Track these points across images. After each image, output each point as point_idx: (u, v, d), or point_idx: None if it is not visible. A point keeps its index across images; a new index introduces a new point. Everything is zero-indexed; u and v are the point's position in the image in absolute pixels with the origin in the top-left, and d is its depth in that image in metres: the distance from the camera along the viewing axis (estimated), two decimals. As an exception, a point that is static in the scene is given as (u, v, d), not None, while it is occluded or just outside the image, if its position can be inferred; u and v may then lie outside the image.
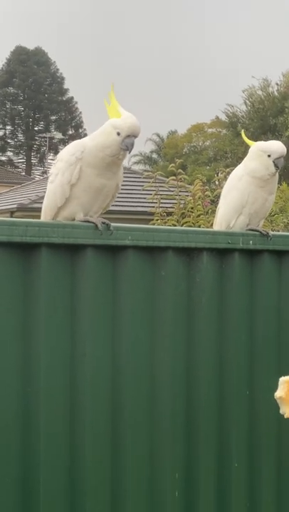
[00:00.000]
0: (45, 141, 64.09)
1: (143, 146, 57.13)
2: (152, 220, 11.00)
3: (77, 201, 3.75)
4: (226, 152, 45.48)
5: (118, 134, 3.64)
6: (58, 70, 71.91)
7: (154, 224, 10.65)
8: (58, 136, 63.31)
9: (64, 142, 60.01)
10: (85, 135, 66.77)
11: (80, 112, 69.67)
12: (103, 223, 3.68)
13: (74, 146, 3.81)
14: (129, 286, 3.81)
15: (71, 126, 67.17)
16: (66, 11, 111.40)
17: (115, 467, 3.79)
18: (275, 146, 4.27)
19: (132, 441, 3.83)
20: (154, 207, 11.11)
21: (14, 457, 3.48)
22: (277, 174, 4.28)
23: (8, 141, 69.36)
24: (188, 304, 4.05)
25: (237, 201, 4.32)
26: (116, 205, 24.85)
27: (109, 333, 3.77)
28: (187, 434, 4.06)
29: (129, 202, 23.29)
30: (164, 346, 3.94)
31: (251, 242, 4.27)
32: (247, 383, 4.30)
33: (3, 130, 69.56)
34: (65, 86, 71.51)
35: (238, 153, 37.69)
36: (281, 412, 3.49)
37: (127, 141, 3.65)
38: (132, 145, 3.69)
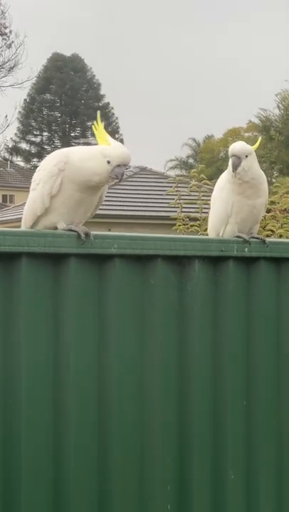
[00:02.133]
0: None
1: (179, 150, 57.02)
2: (175, 225, 10.89)
3: (57, 212, 3.68)
4: (262, 156, 45.23)
5: (108, 162, 3.56)
6: (94, 76, 72.21)
7: (176, 230, 10.55)
8: (95, 141, 63.28)
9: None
10: (121, 140, 67.02)
11: (116, 118, 69.89)
12: (86, 234, 3.61)
13: (57, 156, 3.71)
14: (117, 296, 3.73)
15: (107, 132, 66.97)
16: (102, 18, 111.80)
17: (103, 480, 3.71)
18: (231, 146, 4.15)
19: (121, 454, 3.75)
20: (176, 212, 11.00)
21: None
22: (251, 177, 4.12)
23: (45, 147, 69.65)
24: (180, 313, 3.96)
25: (222, 212, 4.22)
26: (136, 211, 24.80)
27: (95, 344, 3.69)
28: (179, 446, 3.96)
29: (151, 207, 23.25)
30: (154, 357, 3.85)
31: (247, 249, 4.17)
32: (243, 394, 4.21)
33: (40, 136, 69.99)
34: (102, 92, 71.79)
35: (271, 158, 37.47)
36: None
37: (118, 170, 3.57)
38: (123, 174, 3.63)
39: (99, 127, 3.64)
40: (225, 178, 4.25)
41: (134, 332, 3.81)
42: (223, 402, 4.11)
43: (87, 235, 3.61)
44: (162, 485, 3.88)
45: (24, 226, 3.79)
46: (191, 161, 59.10)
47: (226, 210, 4.19)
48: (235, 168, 4.06)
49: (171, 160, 57.12)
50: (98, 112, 3.70)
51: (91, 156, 3.60)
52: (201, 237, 4.38)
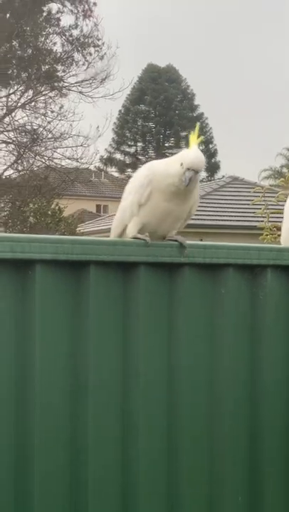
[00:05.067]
0: (176, 157, 64.27)
1: (273, 160, 56.54)
2: (262, 234, 10.81)
3: (141, 220, 3.76)
4: None
5: (181, 165, 3.63)
6: (188, 86, 72.33)
7: (263, 239, 10.46)
8: (188, 151, 63.36)
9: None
10: (215, 150, 66.64)
11: (211, 128, 69.82)
12: (181, 244, 3.70)
13: (148, 167, 3.84)
14: (186, 304, 3.72)
15: (201, 142, 67.17)
16: (197, 29, 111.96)
17: (173, 494, 3.69)
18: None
19: (191, 464, 3.73)
20: (263, 221, 10.92)
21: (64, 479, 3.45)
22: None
23: (139, 157, 70.14)
24: (251, 323, 3.91)
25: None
26: (228, 220, 24.63)
27: (165, 353, 3.69)
28: (251, 457, 3.91)
29: (242, 216, 23.10)
30: (225, 368, 3.82)
31: None
32: None
33: (135, 147, 70.47)
34: (196, 102, 71.87)
35: None
36: None
37: (187, 174, 3.63)
38: (189, 179, 3.64)
39: (193, 137, 3.73)
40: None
41: (204, 341, 3.79)
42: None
43: (182, 245, 3.69)
44: (234, 496, 3.84)
45: (113, 234, 3.91)
46: (285, 170, 58.50)
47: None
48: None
49: (265, 170, 56.66)
50: (197, 124, 3.80)
51: (173, 160, 3.73)
52: (274, 245, 4.30)
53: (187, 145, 3.78)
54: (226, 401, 3.82)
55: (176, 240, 3.72)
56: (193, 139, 3.74)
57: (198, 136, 3.74)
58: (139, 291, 3.60)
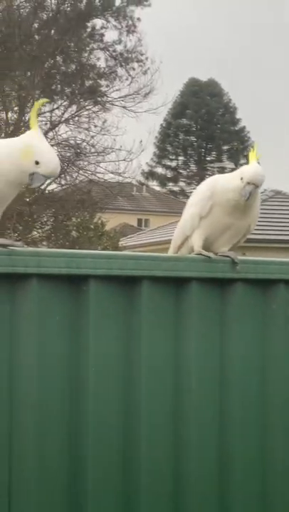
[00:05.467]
0: (217, 171, 64.49)
1: None
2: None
3: (202, 232, 3.83)
4: None
5: (241, 179, 3.71)
6: (230, 100, 72.33)
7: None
8: (230, 165, 63.57)
9: (236, 172, 59.76)
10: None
11: (253, 141, 69.67)
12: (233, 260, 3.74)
13: (210, 181, 3.93)
14: (238, 319, 3.74)
15: (243, 156, 67.29)
16: (239, 42, 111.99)
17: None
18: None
19: (242, 485, 3.73)
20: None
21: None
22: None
23: (181, 171, 70.23)
24: (303, 338, 3.91)
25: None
26: (271, 235, 24.50)
27: (217, 368, 3.71)
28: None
29: (286, 231, 22.97)
30: (276, 380, 3.82)
31: None
32: None
33: (176, 161, 70.51)
34: (238, 116, 71.83)
35: None
36: None
37: (247, 188, 3.69)
38: (249, 193, 3.71)
39: (253, 154, 3.83)
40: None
41: (255, 355, 3.80)
42: None
43: (233, 261, 3.73)
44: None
45: (173, 245, 4.01)
46: None
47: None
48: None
49: None
50: (256, 143, 3.95)
51: (233, 175, 3.82)
52: None
53: (231, 158, 3.85)
54: (280, 416, 3.81)
55: (228, 256, 3.74)
56: (253, 155, 3.82)
57: (257, 153, 3.82)
58: (191, 306, 3.62)
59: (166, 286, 3.58)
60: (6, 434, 3.28)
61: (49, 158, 3.25)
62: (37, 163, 3.21)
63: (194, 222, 3.85)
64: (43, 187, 19.96)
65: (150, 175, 69.14)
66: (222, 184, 3.80)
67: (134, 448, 3.50)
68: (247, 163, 3.85)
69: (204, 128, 70.26)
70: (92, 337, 3.42)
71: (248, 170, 3.73)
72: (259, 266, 3.81)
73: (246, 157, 4.05)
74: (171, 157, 70.81)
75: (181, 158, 71.17)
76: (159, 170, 70.31)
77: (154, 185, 68.77)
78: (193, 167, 70.59)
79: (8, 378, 3.29)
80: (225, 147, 69.00)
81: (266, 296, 3.83)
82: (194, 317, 3.63)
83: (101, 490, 3.42)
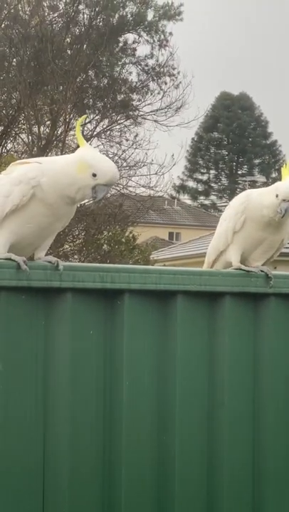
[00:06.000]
0: (249, 185, 64.36)
1: None
2: None
3: (237, 247, 3.84)
4: None
5: (276, 196, 3.69)
6: (262, 113, 72.28)
7: None
8: (262, 179, 63.46)
9: (267, 185, 59.68)
10: (288, 178, 66.36)
11: (284, 155, 69.58)
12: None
13: (244, 196, 3.92)
14: (272, 334, 3.74)
15: (275, 170, 67.18)
16: (271, 56, 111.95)
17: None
18: None
19: (274, 499, 3.72)
20: None
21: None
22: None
23: (212, 185, 70.22)
24: None
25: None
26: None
27: (250, 382, 3.71)
28: None
29: None
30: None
31: None
32: None
33: (207, 174, 70.51)
34: (269, 130, 71.73)
35: None
36: None
37: (283, 205, 3.68)
38: (286, 210, 3.69)
39: (286, 170, 3.82)
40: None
41: (287, 372, 3.79)
42: None
43: (267, 276, 3.73)
44: None
45: (207, 260, 4.00)
46: None
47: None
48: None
49: None
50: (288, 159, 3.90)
51: (268, 191, 3.80)
52: None
53: (262, 172, 3.83)
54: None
55: (262, 270, 3.74)
56: (286, 171, 3.81)
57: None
58: (225, 320, 3.63)
59: (200, 300, 3.60)
60: (41, 449, 3.30)
61: (104, 167, 3.25)
62: (94, 175, 3.23)
63: (228, 237, 3.86)
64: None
65: (181, 188, 69.18)
66: (256, 199, 3.79)
67: (168, 459, 3.52)
68: (280, 178, 3.84)
69: (235, 142, 70.22)
70: (126, 351, 3.44)
71: (284, 186, 3.71)
72: (291, 280, 3.80)
73: (278, 171, 4.06)
74: (202, 171, 70.84)
75: (212, 171, 71.17)
76: (191, 183, 70.37)
77: (186, 198, 68.80)
78: (224, 181, 70.56)
79: (43, 392, 3.31)
80: (256, 161, 68.93)
81: (300, 311, 3.83)
82: (228, 332, 3.64)
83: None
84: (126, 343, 3.44)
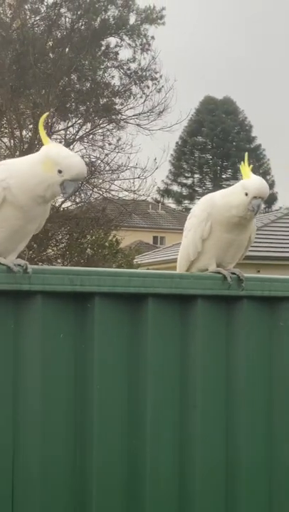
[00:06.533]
0: (233, 189, 64.06)
1: None
2: None
3: (209, 254, 3.80)
4: None
5: (246, 194, 3.63)
6: (246, 118, 72.43)
7: None
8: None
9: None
10: (273, 182, 66.21)
11: (268, 159, 69.75)
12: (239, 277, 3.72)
13: (205, 201, 3.86)
14: (244, 337, 3.72)
15: (259, 173, 67.11)
16: (254, 61, 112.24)
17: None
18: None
19: (247, 498, 3.71)
20: None
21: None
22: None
23: (197, 189, 70.24)
24: (310, 356, 3.89)
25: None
26: (286, 252, 24.46)
27: (223, 386, 3.69)
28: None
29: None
30: (282, 400, 3.80)
31: None
32: None
33: (192, 178, 70.57)
34: (253, 134, 71.87)
35: None
36: None
37: (254, 202, 3.64)
38: (259, 207, 3.67)
39: (245, 167, 3.76)
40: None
41: (262, 373, 3.78)
42: None
43: (239, 278, 3.70)
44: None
45: (179, 271, 3.91)
46: None
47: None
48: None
49: None
50: (246, 154, 3.94)
51: (232, 191, 3.75)
52: None
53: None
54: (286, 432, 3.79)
55: (233, 273, 3.72)
56: (245, 169, 3.74)
57: (249, 165, 3.74)
58: (196, 323, 3.61)
59: (171, 303, 3.58)
60: (10, 454, 3.27)
61: (70, 162, 3.21)
62: (60, 171, 3.20)
63: (197, 246, 3.80)
64: (57, 204, 20.00)
65: (166, 192, 69.21)
66: (220, 202, 3.73)
67: (139, 462, 3.49)
68: (242, 176, 3.75)
69: (220, 146, 70.36)
70: (96, 354, 3.41)
71: (253, 184, 3.65)
72: (265, 283, 3.78)
73: (263, 175, 4.02)
74: (186, 175, 70.93)
75: (196, 175, 71.27)
76: (175, 188, 70.41)
77: (170, 202, 68.82)
78: (208, 185, 70.61)
79: (13, 396, 3.28)
80: (240, 165, 69.04)
81: (272, 314, 3.81)
82: (200, 334, 3.61)
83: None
84: (96, 346, 3.41)
